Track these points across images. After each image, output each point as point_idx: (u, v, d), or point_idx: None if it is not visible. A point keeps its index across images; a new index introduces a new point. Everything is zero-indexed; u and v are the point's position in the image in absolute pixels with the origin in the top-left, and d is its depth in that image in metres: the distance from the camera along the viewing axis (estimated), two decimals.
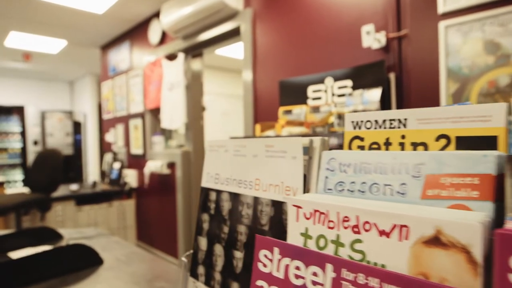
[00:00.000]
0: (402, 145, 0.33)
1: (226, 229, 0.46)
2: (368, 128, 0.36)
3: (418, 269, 0.23)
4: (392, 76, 1.56)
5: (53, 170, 2.80)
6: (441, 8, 1.40)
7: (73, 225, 3.20)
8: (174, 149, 3.13)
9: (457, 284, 0.21)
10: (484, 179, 0.25)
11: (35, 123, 5.90)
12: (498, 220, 0.24)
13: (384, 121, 0.34)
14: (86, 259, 0.79)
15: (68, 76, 6.14)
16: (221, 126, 5.13)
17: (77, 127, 6.28)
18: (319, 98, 1.82)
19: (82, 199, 3.30)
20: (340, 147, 1.26)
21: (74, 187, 3.41)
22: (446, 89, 1.40)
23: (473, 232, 0.21)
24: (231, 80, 5.40)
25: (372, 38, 1.59)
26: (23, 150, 5.87)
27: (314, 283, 0.25)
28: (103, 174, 4.09)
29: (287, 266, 0.25)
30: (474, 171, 0.25)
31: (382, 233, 0.24)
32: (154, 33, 3.18)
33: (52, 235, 0.96)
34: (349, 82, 1.69)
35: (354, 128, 0.37)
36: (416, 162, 0.28)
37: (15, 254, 0.86)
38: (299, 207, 0.29)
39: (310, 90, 1.85)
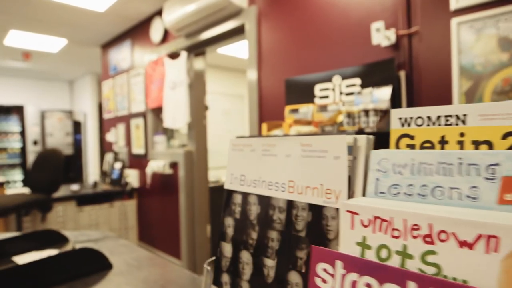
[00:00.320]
0: (460, 143, 0.30)
1: (254, 235, 0.42)
2: (419, 125, 0.32)
3: (511, 287, 0.20)
4: (402, 74, 1.53)
5: (54, 170, 2.76)
6: (454, 5, 1.37)
7: (74, 226, 3.16)
8: (176, 149, 3.09)
9: None
10: None
11: (34, 122, 5.86)
12: None
13: (438, 117, 0.31)
14: (95, 264, 0.76)
15: (68, 75, 6.09)
16: (222, 125, 5.10)
17: (77, 127, 6.23)
18: (326, 96, 1.79)
19: (83, 200, 3.27)
20: None
21: (75, 187, 3.37)
22: (458, 87, 1.37)
23: None
24: (232, 79, 5.37)
25: (382, 36, 1.56)
26: (23, 150, 5.82)
27: None
28: (103, 174, 4.05)
29: (354, 283, 0.22)
30: None
31: (462, 244, 0.21)
32: (156, 31, 3.14)
33: (57, 238, 0.93)
34: (357, 81, 1.66)
35: (402, 125, 0.33)
36: (488, 162, 0.25)
37: (19, 258, 0.82)
38: (355, 213, 0.26)
39: (317, 89, 1.82)
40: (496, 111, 0.28)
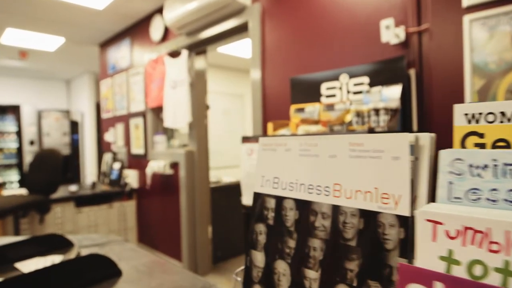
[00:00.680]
0: None
1: (291, 243, 0.38)
2: (490, 122, 0.29)
3: None
4: (412, 73, 1.50)
5: (52, 171, 2.71)
6: (466, 2, 1.34)
7: (72, 227, 3.11)
8: (177, 149, 3.05)
9: None
10: None
11: (31, 122, 5.78)
12: None
13: None
14: (103, 271, 0.72)
15: (65, 74, 6.02)
16: (222, 125, 5.06)
17: (74, 127, 6.16)
18: (333, 95, 1.75)
19: (81, 201, 3.21)
20: None
21: (73, 188, 3.32)
22: (471, 85, 1.34)
23: None
24: (232, 79, 5.33)
25: (391, 33, 1.53)
26: (19, 150, 5.74)
27: None
28: (101, 175, 3.99)
29: None
30: None
31: None
32: (156, 29, 3.10)
33: (62, 243, 0.89)
34: (365, 79, 1.62)
35: (469, 122, 0.30)
36: None
37: (22, 265, 0.78)
38: (438, 222, 0.22)
39: (324, 88, 1.79)
40: None
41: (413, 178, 0.29)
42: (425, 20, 1.47)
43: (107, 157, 3.93)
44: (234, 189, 3.32)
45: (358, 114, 1.48)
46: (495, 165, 0.25)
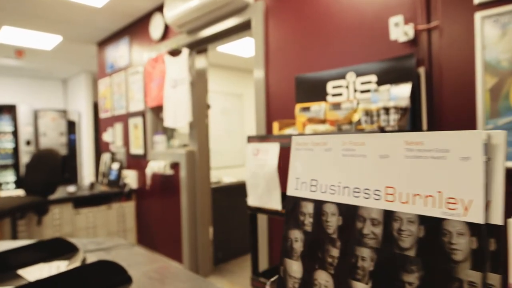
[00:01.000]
0: None
1: (335, 252, 0.35)
2: None
3: None
4: (421, 71, 1.47)
5: (50, 171, 2.66)
6: None
7: (71, 229, 3.06)
8: (177, 149, 3.01)
9: None
10: None
11: (27, 122, 5.70)
12: None
13: None
14: (113, 278, 0.68)
15: (62, 73, 5.95)
16: (222, 125, 5.02)
17: (71, 127, 6.09)
18: (339, 94, 1.72)
19: (80, 202, 3.16)
20: None
21: (71, 189, 3.26)
22: (482, 84, 1.32)
23: None
24: (231, 78, 5.29)
25: (400, 31, 1.50)
26: (15, 150, 5.66)
27: None
28: (99, 175, 3.93)
29: None
30: None
31: None
32: (155, 28, 3.05)
33: (66, 248, 0.85)
34: (373, 78, 1.59)
35: None
36: None
37: (26, 272, 0.74)
38: None
39: (330, 86, 1.76)
40: None
41: (486, 181, 0.26)
42: (435, 18, 1.44)
43: (106, 157, 3.88)
44: (235, 190, 3.28)
45: (367, 113, 1.45)
46: None
